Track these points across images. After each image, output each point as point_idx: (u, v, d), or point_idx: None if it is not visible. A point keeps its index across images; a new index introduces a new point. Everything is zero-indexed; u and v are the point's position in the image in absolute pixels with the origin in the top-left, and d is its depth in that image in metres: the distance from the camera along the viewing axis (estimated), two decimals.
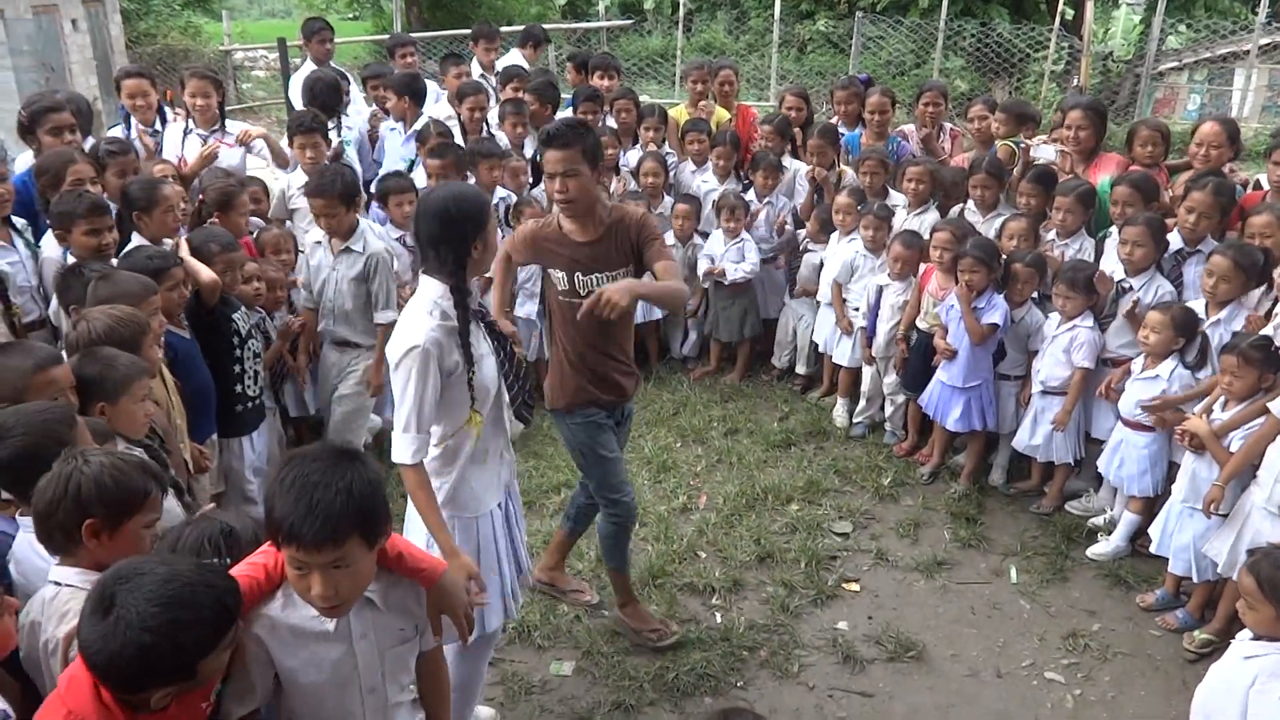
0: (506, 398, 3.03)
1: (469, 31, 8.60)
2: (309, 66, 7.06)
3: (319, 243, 4.63)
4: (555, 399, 3.69)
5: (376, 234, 4.70)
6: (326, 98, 5.91)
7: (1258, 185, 4.91)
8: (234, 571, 2.00)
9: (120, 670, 1.71)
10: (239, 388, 4.06)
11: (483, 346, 2.89)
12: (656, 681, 3.73)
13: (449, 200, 2.77)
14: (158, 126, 5.77)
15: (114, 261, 3.82)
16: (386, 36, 11.90)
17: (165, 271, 3.63)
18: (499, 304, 3.74)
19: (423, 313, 2.74)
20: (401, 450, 2.74)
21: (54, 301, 3.88)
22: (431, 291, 2.78)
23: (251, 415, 4.16)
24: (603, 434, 3.67)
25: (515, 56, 8.33)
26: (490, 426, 2.95)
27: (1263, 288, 4.24)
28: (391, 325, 3.75)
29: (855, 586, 4.39)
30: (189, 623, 1.73)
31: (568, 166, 3.30)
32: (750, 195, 6.33)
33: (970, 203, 5.53)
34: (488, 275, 4.14)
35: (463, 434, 2.87)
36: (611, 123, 6.75)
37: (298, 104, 6.39)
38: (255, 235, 4.90)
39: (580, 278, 3.49)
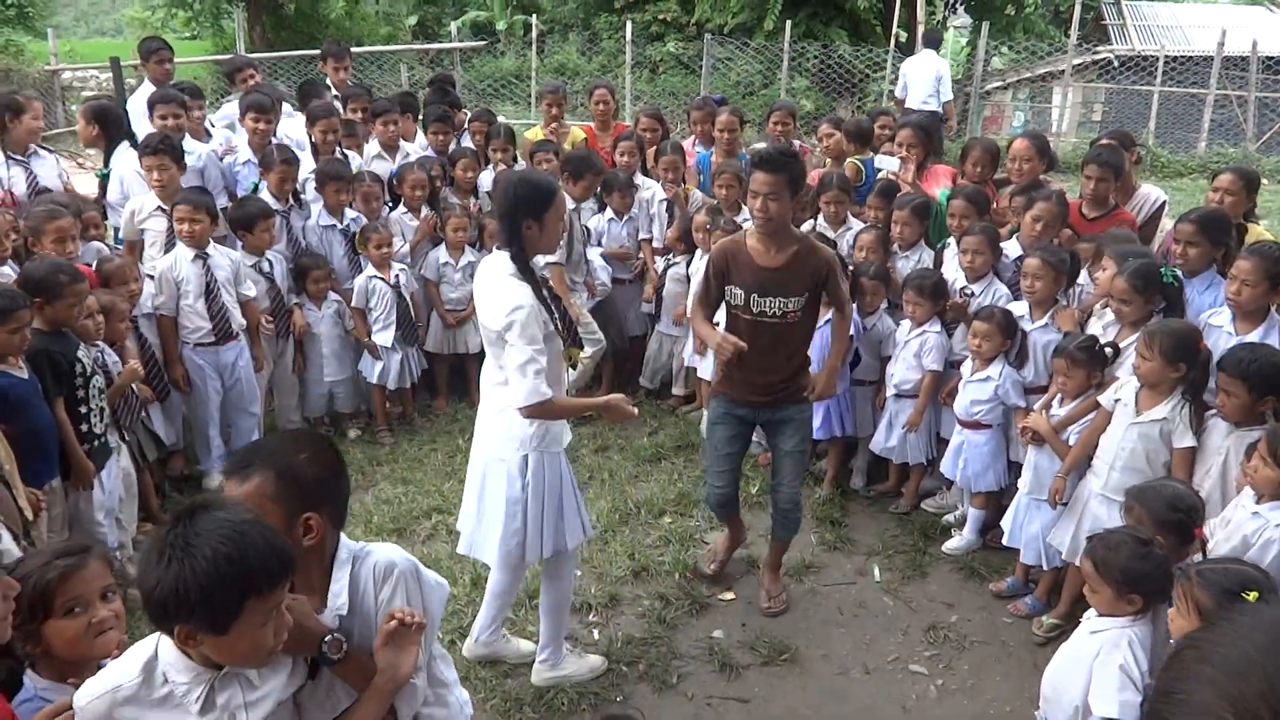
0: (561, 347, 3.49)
1: (317, 51, 8.37)
2: (148, 88, 6.73)
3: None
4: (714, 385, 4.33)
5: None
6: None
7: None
8: None
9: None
10: (84, 427, 3.85)
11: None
12: (537, 702, 3.70)
13: (513, 183, 3.36)
14: None
15: None
16: (228, 56, 11.49)
17: (12, 314, 3.41)
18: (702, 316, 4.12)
19: (511, 279, 3.28)
20: (535, 390, 3.21)
21: None
22: (505, 262, 3.32)
23: (97, 454, 3.95)
24: (719, 426, 4.21)
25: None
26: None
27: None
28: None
29: (729, 595, 4.47)
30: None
31: (771, 189, 3.69)
32: (608, 214, 6.38)
33: (820, 218, 5.76)
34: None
35: (553, 377, 3.35)
36: (468, 142, 6.72)
37: (137, 125, 6.11)
38: (96, 265, 4.63)
39: (755, 298, 3.89)
